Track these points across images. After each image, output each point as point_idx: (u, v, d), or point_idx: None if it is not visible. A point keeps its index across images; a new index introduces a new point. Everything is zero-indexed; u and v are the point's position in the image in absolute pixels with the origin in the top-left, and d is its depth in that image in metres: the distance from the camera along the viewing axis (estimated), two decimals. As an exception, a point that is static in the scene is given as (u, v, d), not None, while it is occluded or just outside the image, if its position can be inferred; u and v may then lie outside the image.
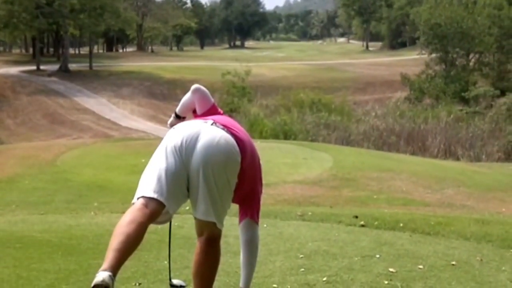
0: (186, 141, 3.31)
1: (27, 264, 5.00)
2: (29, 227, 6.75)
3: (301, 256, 5.33)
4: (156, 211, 3.24)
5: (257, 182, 3.82)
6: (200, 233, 3.57)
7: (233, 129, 3.44)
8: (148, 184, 3.30)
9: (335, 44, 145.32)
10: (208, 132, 3.34)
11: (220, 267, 4.92)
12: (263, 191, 11.27)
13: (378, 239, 6.12)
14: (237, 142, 3.39)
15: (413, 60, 63.50)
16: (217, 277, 4.66)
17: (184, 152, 3.29)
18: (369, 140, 29.98)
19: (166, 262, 5.00)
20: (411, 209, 10.28)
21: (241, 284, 3.65)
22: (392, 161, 17.11)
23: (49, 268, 4.90)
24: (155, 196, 3.24)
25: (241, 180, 3.46)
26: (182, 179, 3.31)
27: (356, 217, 7.36)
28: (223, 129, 3.39)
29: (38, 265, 4.97)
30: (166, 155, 3.33)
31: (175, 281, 4.10)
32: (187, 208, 8.13)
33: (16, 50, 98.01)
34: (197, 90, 3.94)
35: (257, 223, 3.64)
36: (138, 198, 3.26)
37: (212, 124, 3.41)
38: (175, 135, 3.39)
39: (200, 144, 3.29)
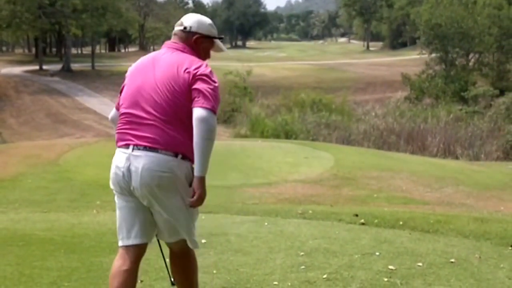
0: (120, 181, 3.34)
1: (30, 262, 5.05)
2: (32, 226, 6.79)
3: (302, 253, 5.38)
4: (137, 253, 3.46)
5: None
6: (170, 248, 3.69)
7: (151, 144, 3.27)
8: (119, 232, 3.49)
9: (336, 44, 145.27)
10: (132, 166, 3.28)
11: (220, 264, 4.99)
12: (265, 189, 11.24)
13: (378, 237, 6.16)
14: (160, 149, 3.27)
15: (413, 60, 63.44)
16: (218, 274, 4.73)
17: (126, 190, 3.35)
18: (370, 139, 29.99)
19: (168, 260, 5.06)
20: (411, 207, 10.31)
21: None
22: (392, 160, 17.13)
23: (51, 265, 4.95)
24: (127, 243, 3.44)
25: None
26: (140, 212, 3.41)
27: (356, 215, 7.40)
28: (143, 151, 3.27)
29: (41, 263, 5.02)
30: (117, 198, 3.47)
31: None
32: (189, 206, 8.20)
33: (18, 50, 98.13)
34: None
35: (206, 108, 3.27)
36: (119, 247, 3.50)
37: (133, 150, 3.28)
38: (112, 173, 3.41)
39: (132, 181, 3.29)
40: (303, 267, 4.96)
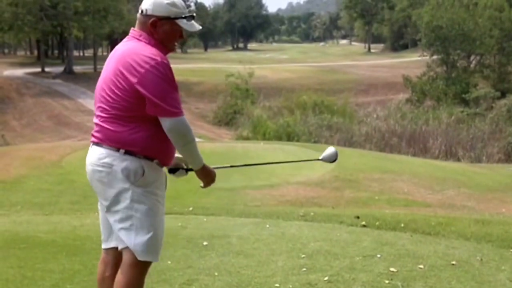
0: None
1: (32, 264, 5.06)
2: (34, 228, 6.81)
3: (303, 256, 5.39)
4: (117, 257, 3.34)
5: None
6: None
7: (99, 139, 3.20)
8: (101, 234, 3.48)
9: (337, 46, 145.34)
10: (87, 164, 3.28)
11: (222, 266, 5.00)
12: (267, 191, 11.23)
13: (379, 239, 6.17)
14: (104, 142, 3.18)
15: (414, 62, 63.49)
16: (219, 277, 4.74)
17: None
18: (371, 141, 30.01)
19: (169, 262, 5.08)
20: (413, 209, 10.32)
21: None
22: (393, 162, 17.14)
23: (53, 268, 4.97)
24: (106, 246, 3.43)
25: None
26: None
27: (358, 217, 7.41)
28: (94, 146, 3.24)
29: (43, 265, 5.03)
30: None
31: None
32: (191, 209, 8.23)
33: (21, 52, 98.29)
34: None
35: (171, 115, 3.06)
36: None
37: (91, 146, 3.27)
38: None
39: None
40: (304, 269, 4.97)
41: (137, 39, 3.23)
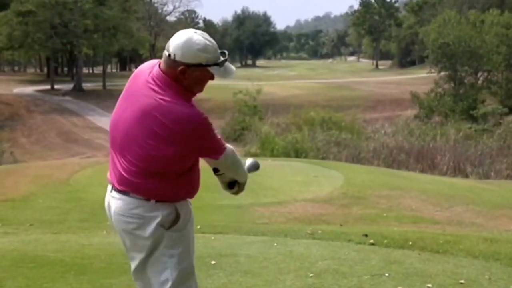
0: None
1: (40, 284, 5.07)
2: (42, 247, 6.81)
3: (311, 275, 5.38)
4: None
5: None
6: None
7: (124, 187, 3.05)
8: None
9: (345, 62, 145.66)
10: (109, 209, 3.19)
11: (230, 286, 5.01)
12: (275, 209, 11.23)
13: (387, 257, 6.15)
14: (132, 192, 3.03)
15: (422, 79, 63.50)
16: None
17: None
18: (379, 157, 29.94)
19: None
20: (421, 226, 10.29)
21: None
22: (401, 179, 17.09)
23: (61, 287, 4.98)
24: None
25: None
26: None
27: (366, 235, 7.38)
28: (118, 193, 3.09)
29: (51, 285, 5.04)
30: None
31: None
32: (199, 227, 8.24)
33: (30, 70, 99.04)
34: None
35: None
36: None
37: (111, 191, 3.17)
38: None
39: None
40: (312, 288, 4.97)
41: (162, 91, 2.93)
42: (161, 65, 3.00)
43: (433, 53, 53.06)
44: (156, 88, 2.94)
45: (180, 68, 2.91)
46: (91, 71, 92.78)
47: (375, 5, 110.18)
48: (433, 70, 54.65)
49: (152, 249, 3.04)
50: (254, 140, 36.50)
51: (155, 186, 2.99)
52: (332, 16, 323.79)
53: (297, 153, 29.71)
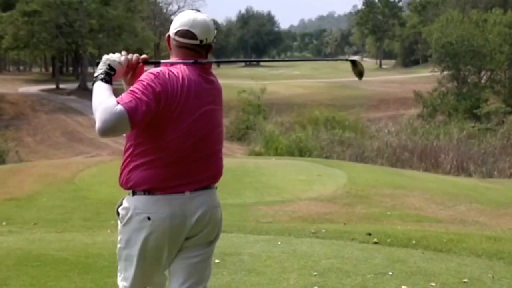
0: None
1: (44, 282, 5.10)
2: (46, 246, 6.84)
3: (315, 273, 5.40)
4: None
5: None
6: None
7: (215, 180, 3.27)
8: None
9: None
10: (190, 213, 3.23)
11: (234, 284, 5.03)
12: (279, 207, 11.26)
13: (391, 256, 6.17)
14: None
15: (425, 78, 63.41)
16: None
17: None
18: (383, 156, 29.96)
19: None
20: (424, 225, 10.29)
21: None
22: (405, 177, 17.10)
23: (65, 286, 5.01)
24: None
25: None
26: None
27: (370, 234, 7.40)
28: (205, 189, 3.25)
29: (55, 283, 5.07)
30: None
31: None
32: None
33: (36, 69, 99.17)
34: None
35: None
36: None
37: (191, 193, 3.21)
38: None
39: None
40: (316, 287, 4.99)
41: (212, 75, 3.25)
42: (203, 55, 3.17)
43: (436, 52, 53.01)
44: (211, 77, 3.23)
45: (210, 49, 3.21)
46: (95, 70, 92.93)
47: (379, 4, 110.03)
48: (436, 69, 54.58)
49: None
50: (258, 139, 36.55)
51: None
52: (335, 15, 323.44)
53: (301, 152, 29.73)
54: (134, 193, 3.05)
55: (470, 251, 6.54)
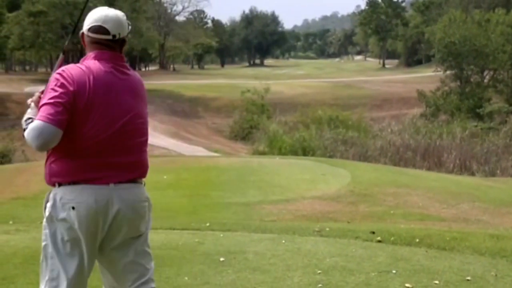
0: None
1: (51, 280, 5.14)
2: (54, 244, 6.87)
3: (319, 272, 5.43)
4: None
5: None
6: None
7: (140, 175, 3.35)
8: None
9: (352, 61, 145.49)
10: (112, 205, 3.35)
11: (239, 282, 5.08)
12: (283, 206, 11.30)
13: (394, 254, 6.20)
14: None
15: (428, 77, 63.37)
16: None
17: None
18: (386, 155, 29.98)
19: (187, 278, 5.16)
20: (427, 224, 10.31)
21: None
22: (408, 176, 17.11)
23: (73, 283, 5.04)
24: None
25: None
26: None
27: (373, 232, 7.43)
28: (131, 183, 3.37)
29: (63, 281, 5.11)
30: None
31: None
32: (208, 224, 8.31)
33: (41, 69, 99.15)
34: None
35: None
36: None
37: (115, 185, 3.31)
38: None
39: None
40: (320, 285, 5.02)
41: (127, 68, 3.31)
42: (117, 49, 3.25)
43: (439, 52, 53.03)
44: (126, 69, 3.27)
45: (124, 44, 3.30)
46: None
47: (382, 4, 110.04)
48: (439, 69, 54.58)
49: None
50: (262, 138, 36.62)
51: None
52: (339, 15, 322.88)
53: (305, 151, 29.79)
54: (59, 185, 3.14)
55: (473, 249, 6.56)
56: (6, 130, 40.58)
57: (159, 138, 43.07)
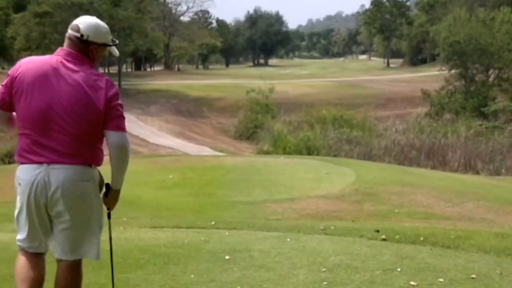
0: None
1: (59, 278, 5.17)
2: (60, 242, 6.90)
3: (324, 270, 5.44)
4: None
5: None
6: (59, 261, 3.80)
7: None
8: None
9: (356, 61, 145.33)
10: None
11: (244, 280, 5.10)
12: (288, 205, 11.29)
13: (399, 252, 6.20)
14: None
15: (433, 76, 63.29)
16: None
17: None
18: (391, 154, 29.98)
19: (192, 276, 5.18)
20: (432, 222, 10.31)
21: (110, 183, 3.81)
22: (413, 175, 17.12)
23: (80, 281, 5.07)
24: None
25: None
26: None
27: (378, 231, 7.43)
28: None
29: (69, 279, 5.14)
30: None
31: None
32: (213, 223, 8.34)
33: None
34: None
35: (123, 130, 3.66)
36: None
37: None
38: None
39: None
40: (325, 283, 5.03)
41: (81, 64, 3.54)
42: (70, 46, 3.58)
43: (444, 51, 52.91)
44: (73, 65, 3.51)
45: (91, 47, 3.59)
46: (106, 70, 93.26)
47: (387, 4, 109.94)
48: (444, 68, 54.49)
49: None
50: (267, 138, 36.66)
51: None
52: (343, 15, 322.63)
53: (309, 150, 29.82)
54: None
55: (478, 247, 6.56)
56: (13, 131, 40.70)
57: (164, 137, 43.15)
